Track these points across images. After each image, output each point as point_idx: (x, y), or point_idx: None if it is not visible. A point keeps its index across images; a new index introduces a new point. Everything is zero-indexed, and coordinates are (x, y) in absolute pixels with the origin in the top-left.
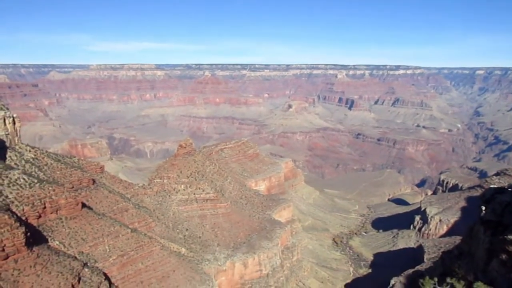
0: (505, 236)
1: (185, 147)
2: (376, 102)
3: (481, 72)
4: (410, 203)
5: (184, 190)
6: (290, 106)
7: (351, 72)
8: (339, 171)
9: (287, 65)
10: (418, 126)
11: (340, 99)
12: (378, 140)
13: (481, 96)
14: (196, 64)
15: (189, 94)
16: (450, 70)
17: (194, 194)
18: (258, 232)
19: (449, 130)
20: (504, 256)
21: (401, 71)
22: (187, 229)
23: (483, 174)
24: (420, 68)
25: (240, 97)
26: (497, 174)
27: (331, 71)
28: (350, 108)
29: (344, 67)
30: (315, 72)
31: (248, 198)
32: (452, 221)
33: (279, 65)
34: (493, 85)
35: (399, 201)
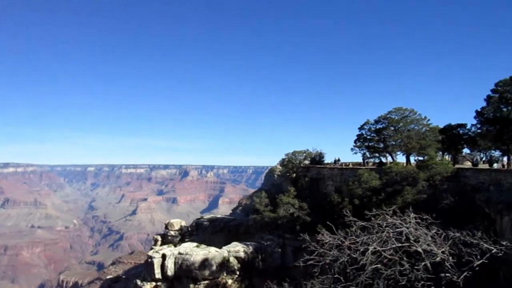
0: None
1: None
2: None
3: (92, 168)
4: None
5: None
6: None
7: None
8: None
9: None
10: (32, 226)
11: None
12: None
13: (93, 191)
14: None
15: None
16: (63, 167)
17: None
18: None
19: (66, 227)
20: None
21: (11, 169)
22: None
23: (101, 266)
24: (32, 165)
25: None
26: (113, 263)
27: None
28: None
29: None
30: None
31: None
32: None
33: None
34: (103, 180)
35: None
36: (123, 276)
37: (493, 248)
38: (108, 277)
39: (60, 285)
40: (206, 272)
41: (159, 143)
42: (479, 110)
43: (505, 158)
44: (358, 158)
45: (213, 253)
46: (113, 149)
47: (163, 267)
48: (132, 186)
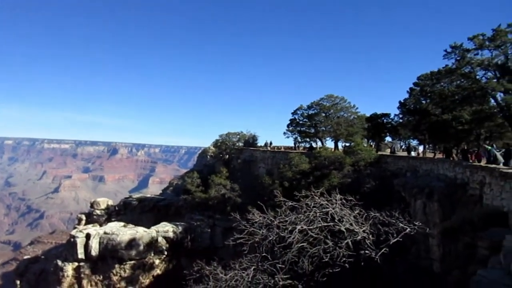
0: None
1: None
2: None
3: (10, 142)
4: None
5: None
6: None
7: None
8: None
9: None
10: None
11: None
12: None
13: (11, 166)
14: None
15: None
16: None
17: None
18: None
19: None
20: None
21: None
22: None
23: (17, 246)
24: None
25: None
26: (31, 243)
27: None
28: None
29: None
30: None
31: None
32: None
33: None
34: (23, 155)
35: None
36: (42, 257)
37: (407, 227)
38: (25, 257)
39: None
40: (133, 252)
41: (87, 118)
42: (402, 101)
43: (421, 147)
44: (290, 142)
45: (141, 233)
46: (35, 122)
47: (86, 247)
48: (55, 162)
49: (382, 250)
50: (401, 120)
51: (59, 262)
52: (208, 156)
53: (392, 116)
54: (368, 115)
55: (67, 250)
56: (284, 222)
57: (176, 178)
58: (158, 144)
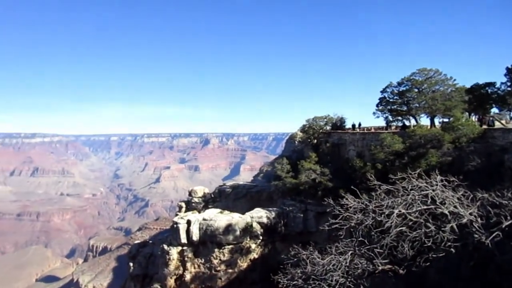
0: (151, 286)
1: None
2: (12, 174)
3: (115, 138)
4: (62, 277)
5: None
6: None
7: None
8: None
9: None
10: (62, 194)
11: None
12: (18, 215)
13: (118, 160)
14: None
15: None
16: (87, 137)
17: None
18: None
19: (93, 195)
20: None
21: (38, 139)
22: None
23: (128, 232)
24: (58, 135)
25: None
26: (139, 229)
27: None
28: None
29: None
30: None
31: None
32: (105, 284)
33: None
34: (127, 150)
35: (50, 279)
36: (150, 241)
37: None
38: (135, 242)
39: (90, 249)
40: (230, 237)
41: (180, 112)
42: (510, 66)
43: None
44: (380, 122)
45: (236, 218)
46: (135, 119)
47: (188, 232)
48: (154, 154)
49: (494, 234)
50: (510, 88)
51: (165, 246)
52: (296, 142)
53: (498, 85)
54: (468, 86)
55: (171, 235)
56: (380, 206)
57: (265, 165)
58: (246, 133)
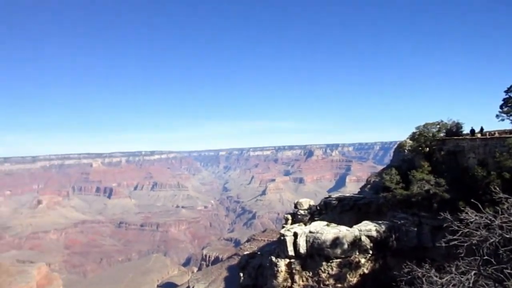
0: None
1: None
2: (135, 188)
3: (223, 153)
4: (179, 284)
5: None
6: (39, 202)
7: (106, 160)
8: (103, 265)
9: (33, 157)
10: (177, 206)
11: (97, 189)
12: (141, 226)
13: (226, 174)
14: None
15: None
16: (198, 152)
17: None
18: None
19: (205, 207)
20: None
21: (156, 156)
22: None
23: (237, 243)
24: (173, 152)
25: None
26: (248, 240)
27: (85, 160)
28: (109, 197)
29: (99, 155)
30: (67, 162)
31: None
32: None
33: (23, 157)
34: (234, 163)
35: (169, 285)
36: (258, 253)
37: None
38: (245, 253)
39: (203, 259)
40: (338, 251)
41: (284, 125)
42: None
43: None
44: (505, 125)
45: (344, 231)
46: (240, 134)
47: (295, 245)
48: (260, 167)
49: None
50: None
51: (273, 258)
52: (406, 150)
53: None
54: None
55: (279, 247)
56: (508, 222)
57: (373, 175)
58: (351, 143)
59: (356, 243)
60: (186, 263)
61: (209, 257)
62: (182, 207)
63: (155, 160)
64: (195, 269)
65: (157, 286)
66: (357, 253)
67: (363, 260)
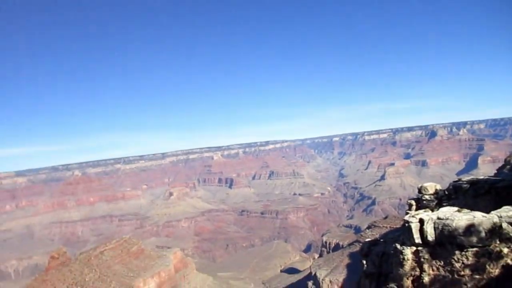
0: (387, 285)
1: (57, 258)
2: (253, 178)
3: (336, 139)
4: (301, 270)
5: None
6: (171, 194)
7: (225, 152)
8: (230, 251)
9: (163, 153)
10: (294, 194)
11: (219, 180)
12: (262, 213)
13: (341, 160)
14: (63, 165)
15: (58, 198)
16: (312, 139)
17: None
18: None
19: (322, 194)
20: None
21: (271, 146)
22: None
23: (357, 230)
24: (286, 141)
25: (116, 192)
26: (368, 227)
27: (207, 154)
28: (230, 187)
29: (218, 148)
30: (191, 156)
31: None
32: (341, 279)
33: (154, 154)
34: (349, 149)
35: (292, 270)
36: (381, 240)
37: None
38: (366, 240)
39: (324, 245)
40: (473, 239)
41: (401, 106)
42: None
43: None
44: None
45: (480, 218)
46: (354, 118)
47: (421, 232)
48: (376, 152)
49: None
50: None
51: (398, 246)
52: None
53: None
54: None
55: (403, 234)
56: None
57: None
58: (483, 119)
59: (495, 231)
60: (307, 250)
61: (329, 243)
62: (299, 194)
63: (270, 149)
64: (316, 256)
65: (280, 271)
66: (498, 242)
67: (505, 250)
